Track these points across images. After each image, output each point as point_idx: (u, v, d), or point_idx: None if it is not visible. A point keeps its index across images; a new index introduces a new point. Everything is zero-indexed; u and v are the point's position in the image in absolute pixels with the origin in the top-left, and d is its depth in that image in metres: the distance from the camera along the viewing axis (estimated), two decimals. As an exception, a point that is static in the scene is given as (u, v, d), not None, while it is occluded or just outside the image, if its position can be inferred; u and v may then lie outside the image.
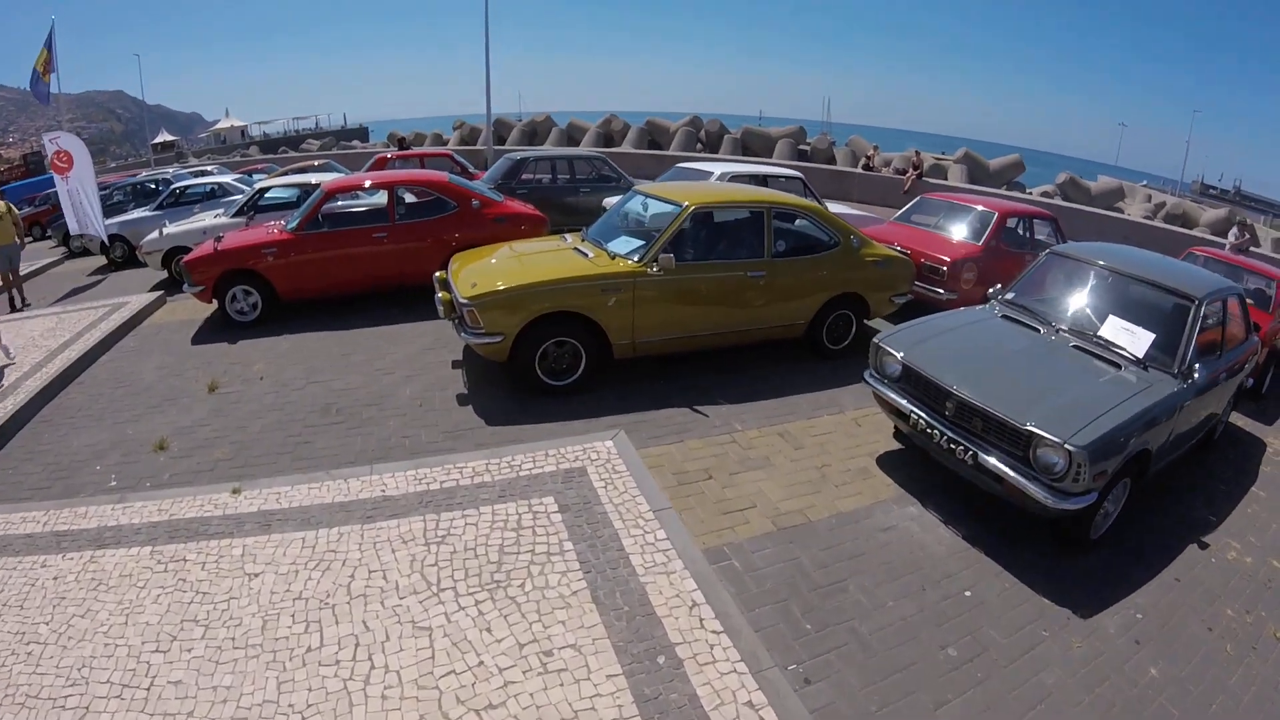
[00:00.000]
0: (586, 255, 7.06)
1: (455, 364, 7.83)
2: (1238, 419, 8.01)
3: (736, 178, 11.47)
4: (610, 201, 11.90)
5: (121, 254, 14.86)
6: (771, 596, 4.42)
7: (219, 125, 73.54)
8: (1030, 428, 4.65)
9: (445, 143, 34.85)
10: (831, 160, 28.60)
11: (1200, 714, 3.96)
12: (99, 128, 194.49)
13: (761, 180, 11.60)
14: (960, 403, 5.13)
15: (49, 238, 19.87)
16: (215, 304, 9.28)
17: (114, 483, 5.74)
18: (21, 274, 14.70)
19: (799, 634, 4.15)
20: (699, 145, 30.67)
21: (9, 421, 6.82)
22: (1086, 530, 5.06)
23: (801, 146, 29.81)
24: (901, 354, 5.65)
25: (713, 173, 11.57)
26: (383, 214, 9.69)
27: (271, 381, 7.51)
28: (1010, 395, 4.99)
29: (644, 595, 4.26)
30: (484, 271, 6.95)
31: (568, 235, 8.08)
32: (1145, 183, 45.85)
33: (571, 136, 33.55)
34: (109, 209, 16.50)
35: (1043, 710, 3.82)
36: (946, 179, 25.70)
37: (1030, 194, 26.27)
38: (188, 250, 11.60)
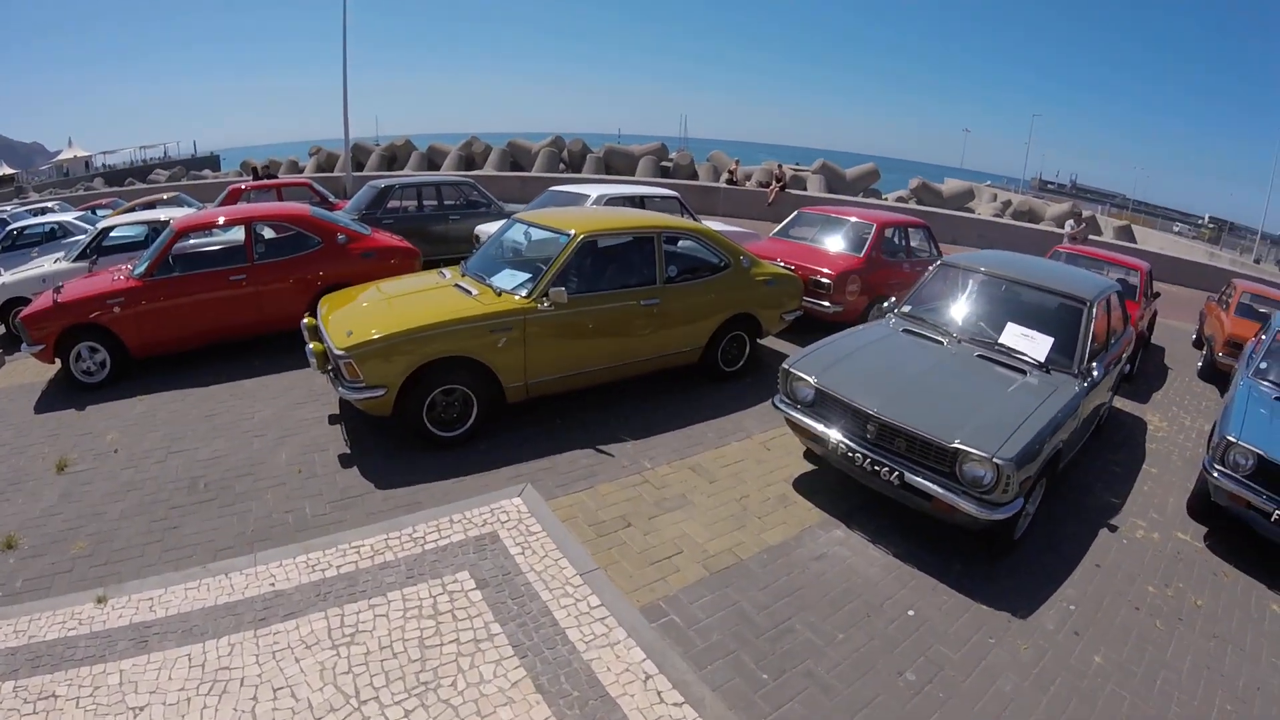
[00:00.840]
0: (470, 292, 6.59)
1: (332, 419, 7.12)
2: (1118, 402, 8.49)
3: (613, 200, 11.28)
4: (484, 229, 11.50)
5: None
6: (720, 650, 4.17)
7: (62, 156, 68.55)
8: (957, 445, 4.69)
9: (302, 170, 33.31)
10: (694, 176, 29.01)
11: (1147, 692, 4.18)
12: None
13: (639, 201, 11.54)
14: (882, 425, 5.10)
15: None
16: (59, 363, 8.17)
17: (-42, 597, 4.90)
18: None
19: (758, 686, 3.95)
20: (562, 165, 30.53)
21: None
22: (1011, 533, 5.15)
23: (664, 163, 30.09)
24: (815, 379, 5.57)
25: (589, 195, 11.28)
26: (240, 253, 8.77)
27: (127, 454, 6.59)
28: (930, 413, 5.01)
29: (591, 675, 3.89)
30: (358, 317, 6.35)
31: (445, 270, 7.57)
32: (989, 183, 48.47)
33: (432, 160, 32.62)
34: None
35: (1007, 718, 3.88)
36: (806, 189, 26.28)
37: (886, 199, 27.20)
38: (26, 302, 10.52)
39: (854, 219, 10.56)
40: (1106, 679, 4.21)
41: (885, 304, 6.99)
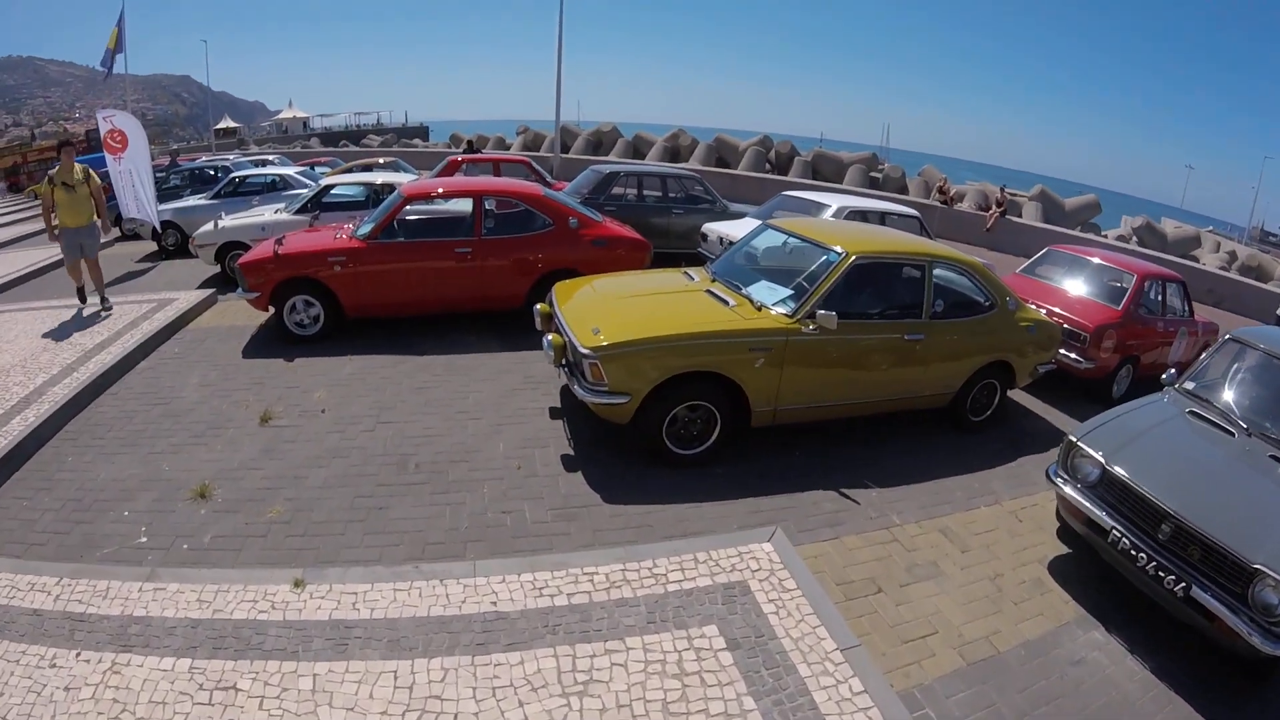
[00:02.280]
0: (726, 302, 6.02)
1: (554, 413, 6.66)
2: None
3: (854, 214, 10.48)
4: (713, 229, 10.90)
5: (174, 242, 13.88)
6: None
7: (282, 115, 74.10)
8: (1259, 565, 3.97)
9: (508, 147, 34.04)
10: (903, 190, 27.27)
11: None
12: (164, 110, 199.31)
13: (880, 218, 10.65)
14: (1179, 528, 4.36)
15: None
16: (271, 311, 8.22)
17: (144, 539, 4.64)
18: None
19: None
20: (768, 166, 29.54)
21: (29, 437, 5.78)
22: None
23: (873, 174, 28.56)
24: (1104, 458, 4.85)
25: (828, 205, 10.51)
26: (467, 226, 8.51)
27: (334, 417, 6.36)
28: (1232, 521, 4.28)
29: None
30: (605, 314, 5.86)
31: (691, 271, 7.03)
32: (1210, 228, 44.47)
33: (637, 149, 32.57)
34: (164, 193, 15.64)
35: None
36: (1021, 216, 24.34)
37: (1106, 236, 24.87)
38: (244, 246, 10.61)
39: (1113, 265, 9.36)
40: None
41: (1164, 376, 6.05)
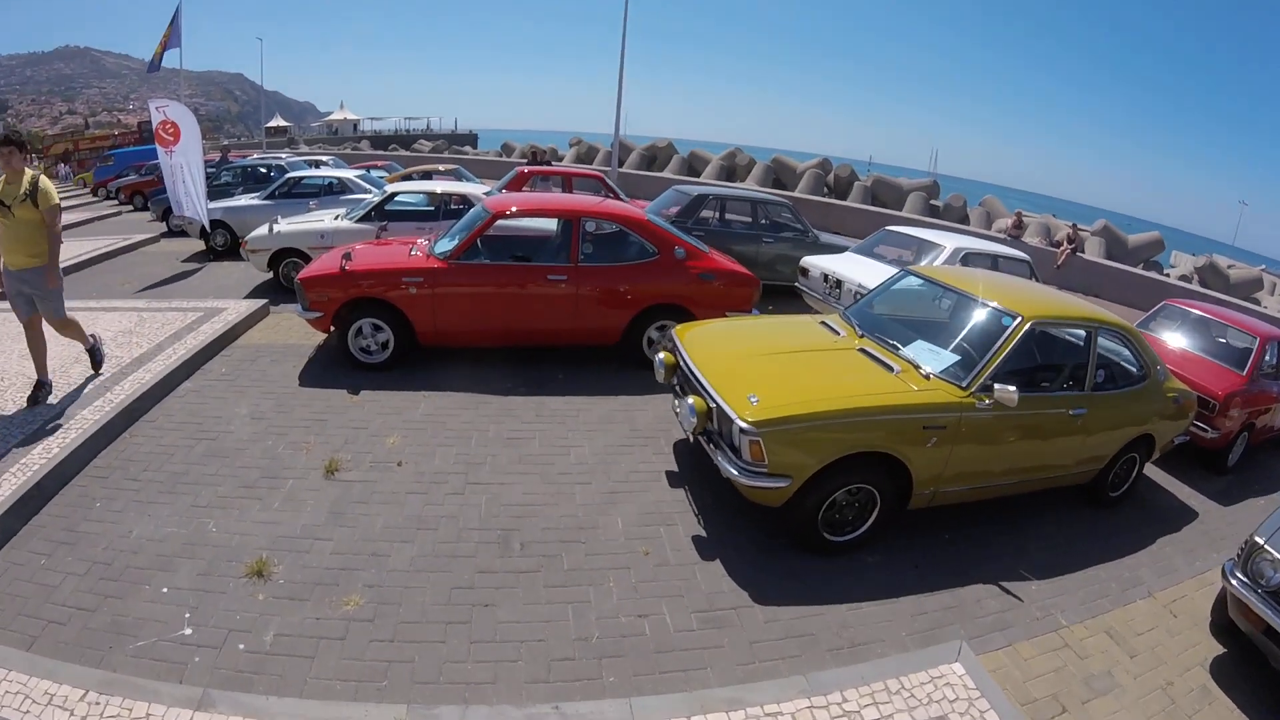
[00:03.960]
0: (890, 368, 5.21)
1: (672, 478, 5.69)
2: None
3: (970, 256, 9.58)
4: (816, 264, 9.98)
5: (223, 242, 13.12)
6: None
7: (333, 116, 74.43)
8: None
9: (561, 159, 33.25)
10: (964, 220, 25.96)
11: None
12: (216, 106, 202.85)
13: (992, 261, 9.75)
14: None
15: (148, 209, 18.28)
16: (331, 331, 7.31)
17: (189, 631, 3.73)
18: (107, 251, 13.06)
19: None
20: (825, 190, 28.48)
21: (51, 475, 4.92)
22: None
23: (933, 202, 27.38)
24: None
25: (942, 246, 9.57)
26: (562, 250, 7.58)
27: (413, 472, 5.43)
28: None
29: None
30: (757, 377, 4.99)
31: (831, 322, 6.21)
32: (1264, 267, 42.83)
33: (693, 166, 31.67)
34: (215, 191, 14.91)
35: None
36: (1084, 252, 23.07)
37: (1168, 275, 23.55)
38: (300, 253, 9.77)
39: (1234, 326, 8.76)
40: None
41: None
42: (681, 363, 5.50)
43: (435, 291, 7.07)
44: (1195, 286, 21.10)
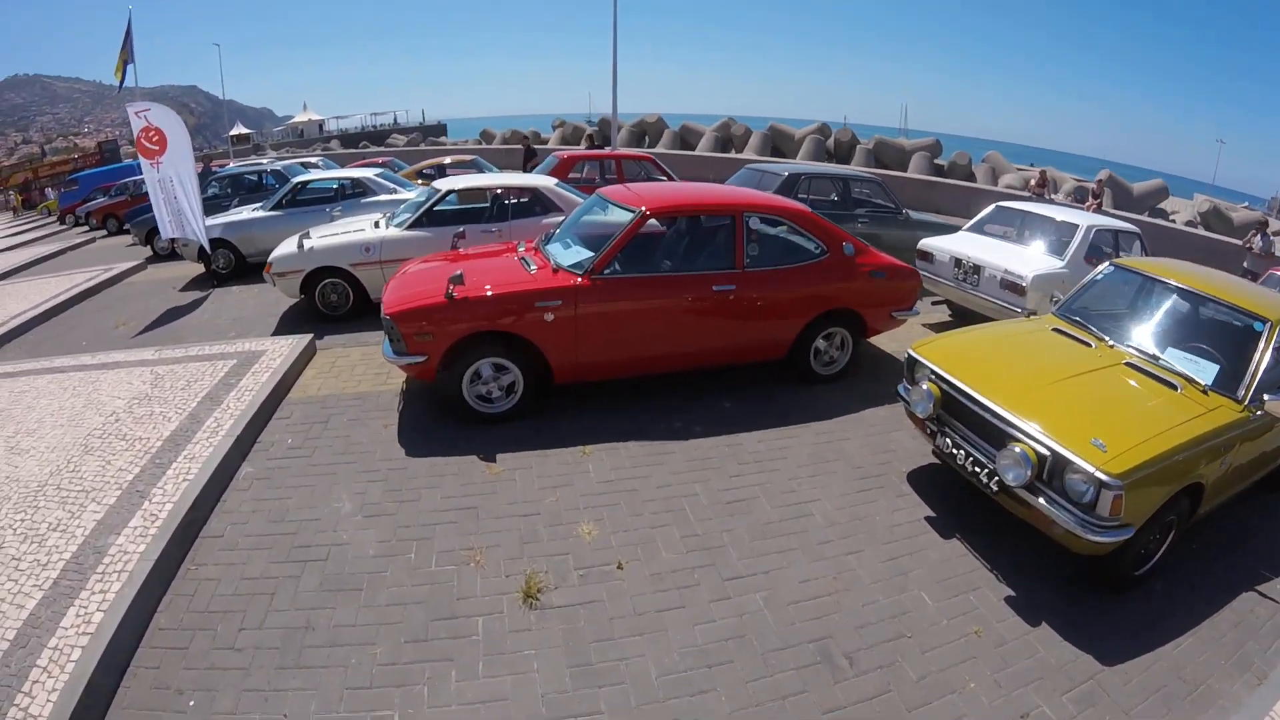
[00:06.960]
0: (1172, 386, 4.58)
1: (934, 525, 4.58)
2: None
3: (1100, 234, 8.64)
4: (939, 246, 8.80)
5: (225, 264, 11.15)
6: None
7: (296, 119, 71.75)
8: None
9: (545, 143, 31.35)
10: (969, 178, 24.56)
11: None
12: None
13: (1114, 236, 8.93)
14: None
15: (126, 232, 16.44)
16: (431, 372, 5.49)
17: None
18: (89, 287, 11.19)
19: None
20: (827, 155, 27.05)
21: (100, 668, 3.14)
22: None
23: (938, 162, 25.88)
24: None
25: (1077, 225, 8.54)
26: (724, 254, 6.03)
27: (644, 575, 3.80)
28: None
29: None
30: (1073, 412, 4.28)
31: (1068, 329, 5.36)
32: (1247, 204, 42.13)
33: (685, 140, 30.07)
34: (204, 205, 12.91)
35: None
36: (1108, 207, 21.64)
37: (1173, 221, 22.22)
38: (342, 272, 7.96)
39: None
40: None
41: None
42: (958, 396, 4.60)
43: (578, 315, 5.39)
44: (1201, 232, 19.67)
